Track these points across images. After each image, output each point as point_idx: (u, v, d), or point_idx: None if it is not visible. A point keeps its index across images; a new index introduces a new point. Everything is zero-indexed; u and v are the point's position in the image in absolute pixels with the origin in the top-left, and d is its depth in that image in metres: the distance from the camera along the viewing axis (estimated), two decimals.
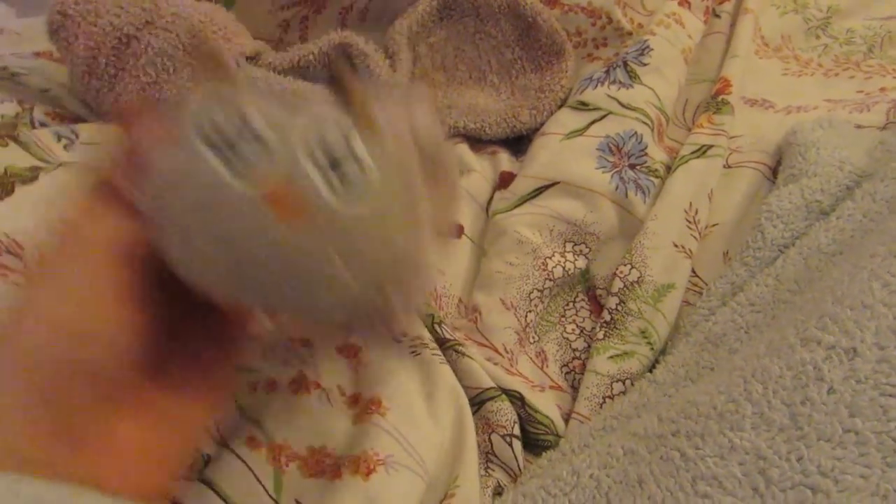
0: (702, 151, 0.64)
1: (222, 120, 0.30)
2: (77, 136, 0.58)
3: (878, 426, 0.33)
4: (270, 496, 0.44)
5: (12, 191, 0.51)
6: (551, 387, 0.56)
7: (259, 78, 0.61)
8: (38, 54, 0.73)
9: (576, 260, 0.60)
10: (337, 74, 0.34)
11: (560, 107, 0.71)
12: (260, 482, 0.44)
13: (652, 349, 0.54)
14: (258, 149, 0.30)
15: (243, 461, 0.45)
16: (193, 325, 0.36)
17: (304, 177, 0.30)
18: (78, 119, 0.65)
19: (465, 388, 0.52)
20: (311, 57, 0.65)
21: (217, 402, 0.38)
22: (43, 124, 0.61)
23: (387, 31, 0.71)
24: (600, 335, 0.55)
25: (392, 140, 0.33)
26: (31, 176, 0.52)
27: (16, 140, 0.55)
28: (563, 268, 0.59)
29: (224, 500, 0.43)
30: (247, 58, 0.63)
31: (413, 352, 0.52)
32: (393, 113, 0.35)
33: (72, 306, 0.30)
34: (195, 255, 0.31)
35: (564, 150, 0.65)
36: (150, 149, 0.32)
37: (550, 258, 0.59)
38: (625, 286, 0.57)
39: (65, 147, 0.56)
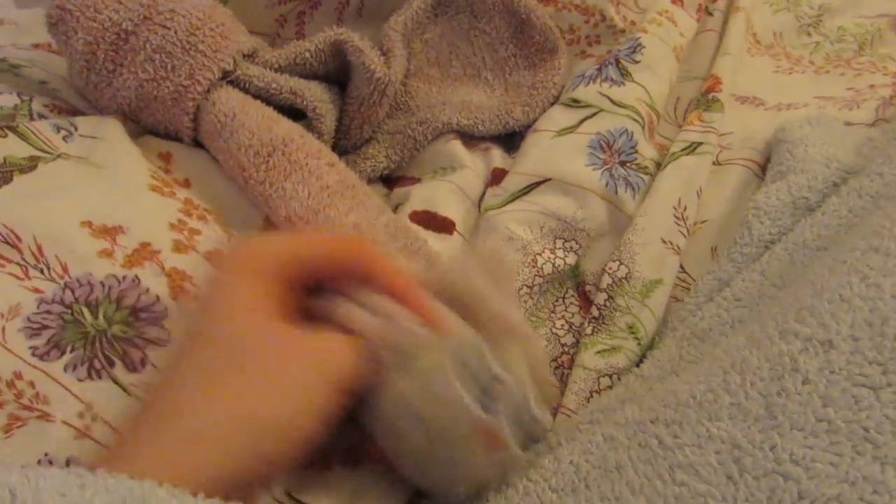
0: (692, 148, 0.64)
1: (473, 360, 0.38)
2: (76, 129, 0.58)
3: (849, 415, 0.33)
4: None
5: (11, 180, 0.51)
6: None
7: (255, 75, 0.62)
8: (37, 46, 0.73)
9: (566, 256, 0.60)
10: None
11: (553, 104, 0.72)
12: None
13: (639, 344, 0.55)
14: (498, 390, 0.38)
15: None
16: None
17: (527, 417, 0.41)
18: (77, 112, 0.65)
19: None
20: (307, 54, 0.66)
21: None
22: (42, 116, 0.61)
23: (382, 27, 0.72)
24: (588, 330, 0.56)
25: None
26: (30, 166, 0.53)
27: (14, 131, 0.55)
28: (553, 264, 0.60)
29: None
30: (244, 55, 0.63)
31: None
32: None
33: (284, 406, 0.35)
34: (400, 448, 0.39)
35: (556, 147, 0.65)
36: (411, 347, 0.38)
37: (540, 254, 0.60)
38: (613, 282, 0.57)
39: (63, 139, 0.57)
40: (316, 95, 0.63)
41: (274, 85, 0.62)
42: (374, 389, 0.38)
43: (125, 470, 0.29)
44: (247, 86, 0.62)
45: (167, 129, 0.62)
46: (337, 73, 0.68)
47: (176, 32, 0.59)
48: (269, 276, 0.39)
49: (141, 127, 0.63)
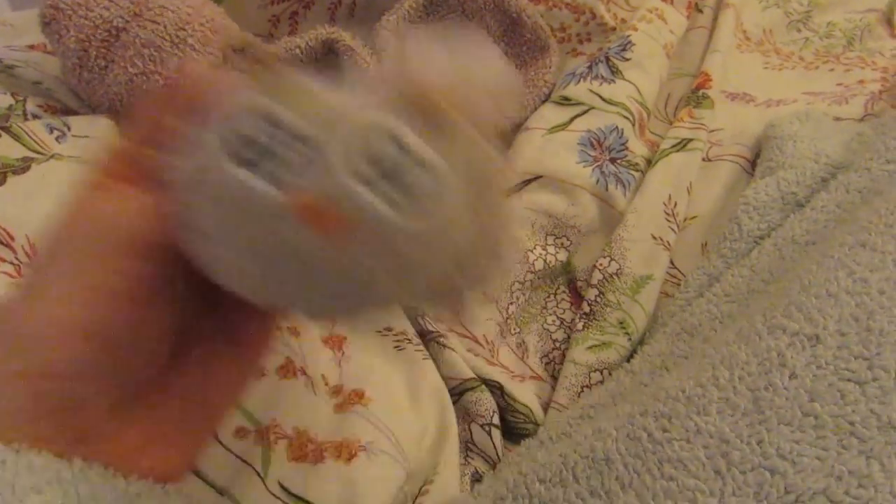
0: (682, 145, 0.65)
1: (252, 126, 0.26)
2: (69, 129, 0.58)
3: (835, 410, 0.34)
4: (258, 474, 0.44)
5: (4, 181, 0.51)
6: (531, 377, 0.57)
7: (244, 69, 0.62)
8: (32, 47, 0.73)
9: (557, 253, 0.61)
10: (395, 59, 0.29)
11: (544, 102, 0.72)
12: (248, 463, 0.45)
13: (630, 340, 0.56)
14: (294, 155, 0.26)
15: (229, 450, 0.45)
16: (216, 314, 0.34)
17: (347, 187, 0.25)
18: (70, 111, 0.65)
19: (446, 378, 0.53)
20: (297, 51, 0.66)
21: (238, 391, 0.36)
22: (36, 116, 0.62)
23: (373, 26, 0.72)
24: (580, 326, 0.57)
25: (466, 139, 0.28)
26: (23, 166, 0.53)
27: (8, 131, 0.56)
28: (545, 260, 0.60)
29: (211, 485, 0.44)
30: (234, 50, 0.63)
31: (397, 346, 0.53)
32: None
33: (82, 307, 0.28)
34: (227, 264, 0.28)
35: (547, 145, 0.66)
36: (176, 138, 0.29)
37: (532, 251, 0.60)
38: (604, 278, 0.58)
39: (57, 139, 0.57)
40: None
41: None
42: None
43: None
44: None
45: None
46: (325, 69, 0.68)
47: (165, 27, 0.60)
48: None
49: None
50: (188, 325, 0.32)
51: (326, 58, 0.67)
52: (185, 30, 0.60)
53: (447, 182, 0.26)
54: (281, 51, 0.66)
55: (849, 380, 0.35)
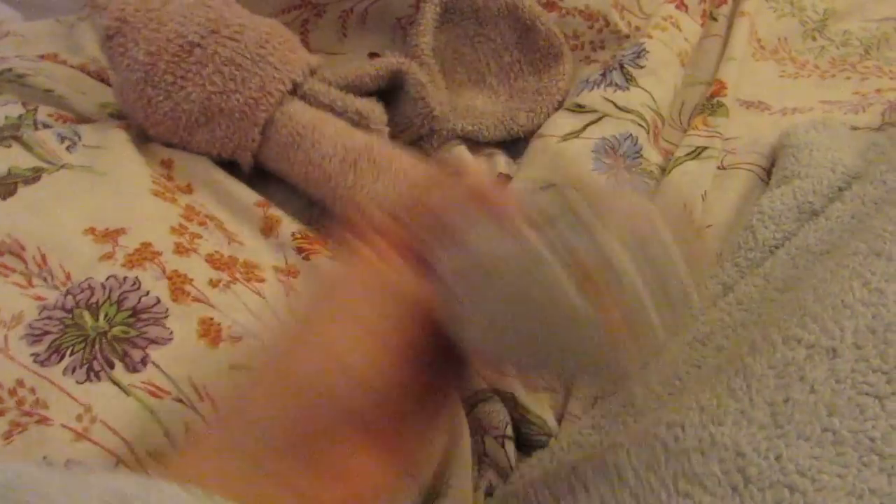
0: (696, 153, 0.64)
1: (549, 205, 0.29)
2: (80, 138, 0.58)
3: (855, 425, 0.33)
4: None
5: (14, 191, 0.51)
6: (545, 388, 0.56)
7: (320, 91, 0.61)
8: (42, 57, 0.74)
9: None
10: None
11: (557, 109, 0.72)
12: None
13: None
14: (587, 241, 0.28)
15: None
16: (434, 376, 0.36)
17: (636, 295, 0.28)
18: (82, 120, 0.65)
19: None
20: (366, 78, 0.65)
21: (433, 441, 0.39)
22: (46, 126, 0.62)
23: (411, 50, 0.71)
24: None
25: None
26: (34, 176, 0.53)
27: (19, 141, 0.56)
28: None
29: None
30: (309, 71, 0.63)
31: None
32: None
33: (350, 343, 0.31)
34: (497, 337, 0.31)
35: (561, 153, 0.65)
36: (462, 220, 0.32)
37: None
38: None
39: (67, 148, 0.57)
40: (381, 119, 0.63)
41: (339, 103, 0.62)
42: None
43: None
44: (311, 101, 0.62)
45: (224, 146, 0.61)
46: (385, 92, 0.68)
47: (246, 45, 0.59)
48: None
49: (191, 149, 0.62)
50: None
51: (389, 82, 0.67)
52: (265, 48, 0.60)
53: (686, 293, 0.30)
54: (351, 76, 0.65)
55: (867, 394, 0.34)
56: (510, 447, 0.51)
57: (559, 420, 0.54)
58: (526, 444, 0.53)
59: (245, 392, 0.32)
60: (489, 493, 0.49)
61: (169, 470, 0.31)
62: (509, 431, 0.51)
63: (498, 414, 0.51)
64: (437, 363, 0.34)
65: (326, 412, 0.30)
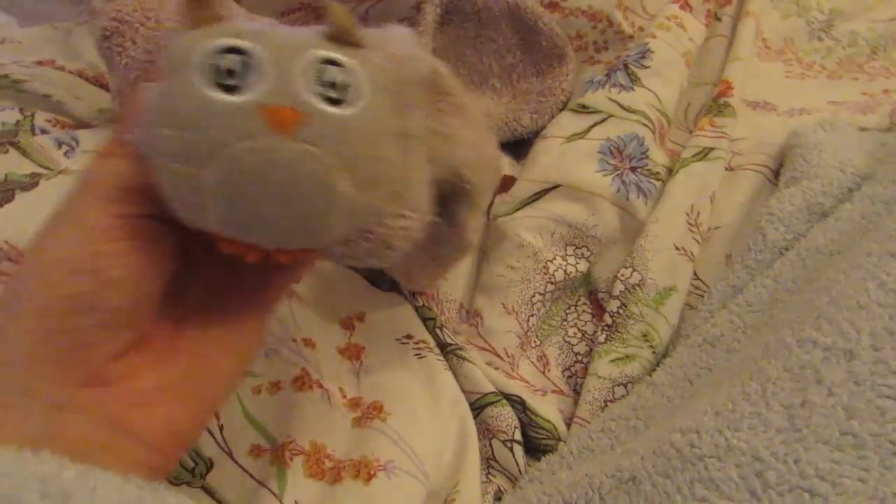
0: (703, 154, 0.64)
1: (206, 45, 0.29)
2: (78, 143, 0.58)
3: (875, 428, 0.32)
4: (274, 493, 0.43)
5: (12, 198, 0.51)
6: (553, 391, 0.56)
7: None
8: (39, 63, 0.73)
9: (577, 263, 0.60)
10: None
11: (561, 110, 0.71)
12: (263, 484, 0.44)
13: (654, 352, 0.54)
14: (244, 65, 0.29)
15: (245, 470, 0.44)
16: (220, 273, 0.35)
17: (294, 85, 0.29)
18: (80, 125, 0.65)
19: (466, 393, 0.52)
20: None
21: (248, 351, 0.36)
22: (44, 131, 0.61)
23: None
24: (602, 338, 0.55)
25: (378, 54, 0.32)
26: (32, 182, 0.52)
27: (16, 146, 0.55)
28: (565, 271, 0.59)
29: None
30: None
31: (417, 354, 0.52)
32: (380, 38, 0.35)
33: (76, 244, 0.29)
34: (184, 183, 0.29)
35: (565, 154, 0.64)
36: (142, 90, 0.31)
37: (552, 261, 0.59)
38: (626, 289, 0.56)
39: (65, 154, 0.56)
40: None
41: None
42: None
43: None
44: None
45: None
46: None
47: None
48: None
49: None
50: (190, 288, 0.34)
51: None
52: None
53: (361, 77, 0.30)
54: None
55: (887, 396, 0.33)
56: (519, 451, 0.50)
57: (568, 424, 0.53)
58: (534, 448, 0.52)
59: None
60: (498, 499, 0.49)
61: None
62: (518, 436, 0.51)
63: (506, 417, 0.51)
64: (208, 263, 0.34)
65: (75, 322, 0.29)
